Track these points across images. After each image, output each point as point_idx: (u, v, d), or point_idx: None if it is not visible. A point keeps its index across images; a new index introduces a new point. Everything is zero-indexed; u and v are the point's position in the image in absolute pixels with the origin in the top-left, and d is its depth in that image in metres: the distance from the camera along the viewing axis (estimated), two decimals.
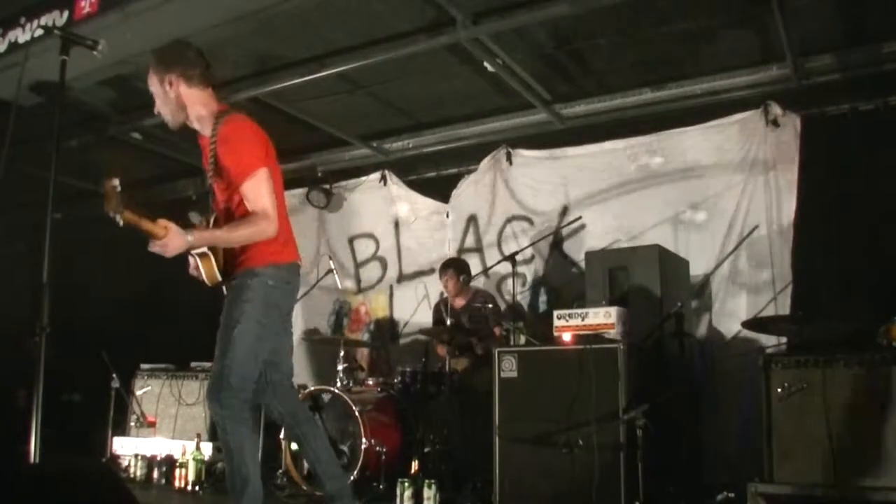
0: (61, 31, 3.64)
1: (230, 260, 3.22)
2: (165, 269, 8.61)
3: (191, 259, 3.28)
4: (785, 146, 5.47)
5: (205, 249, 3.16)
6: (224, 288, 3.28)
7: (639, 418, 3.82)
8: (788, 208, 5.40)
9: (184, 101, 3.23)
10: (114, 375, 6.18)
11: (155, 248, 2.99)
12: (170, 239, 2.96)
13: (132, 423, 6.38)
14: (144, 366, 6.67)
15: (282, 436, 5.35)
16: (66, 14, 5.47)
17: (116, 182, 2.96)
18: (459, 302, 5.98)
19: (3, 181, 3.16)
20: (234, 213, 3.19)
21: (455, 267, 6.01)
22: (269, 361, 3.27)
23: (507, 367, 4.47)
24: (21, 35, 5.79)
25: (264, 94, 6.17)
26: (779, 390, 3.87)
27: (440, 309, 6.08)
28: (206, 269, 3.20)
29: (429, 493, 4.40)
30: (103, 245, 8.35)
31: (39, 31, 5.58)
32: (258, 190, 3.09)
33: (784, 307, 5.23)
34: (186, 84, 3.21)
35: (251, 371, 3.14)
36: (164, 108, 3.27)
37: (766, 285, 5.40)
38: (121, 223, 2.93)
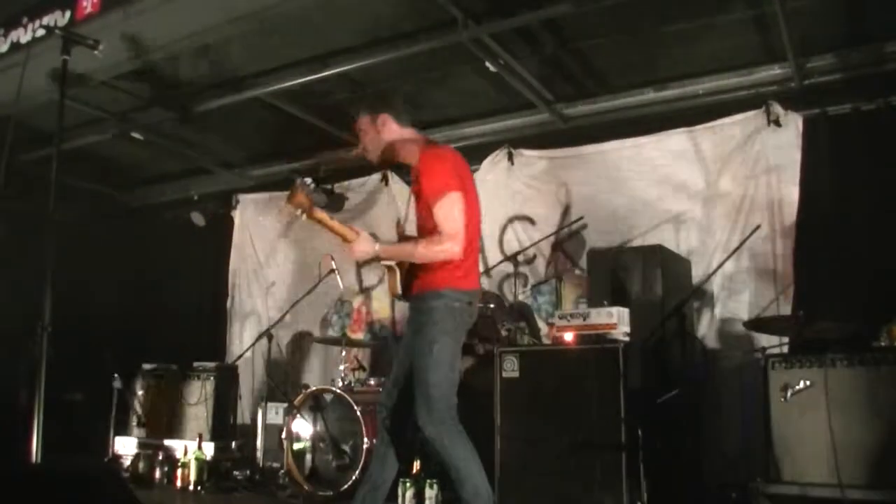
0: (63, 30, 3.66)
1: (413, 279, 3.36)
2: (167, 269, 8.65)
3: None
4: (787, 146, 5.46)
5: (392, 263, 3.36)
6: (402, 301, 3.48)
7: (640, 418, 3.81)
8: (790, 208, 5.39)
9: (393, 140, 3.47)
10: (115, 375, 6.18)
11: (345, 250, 3.29)
12: (358, 243, 3.25)
13: (134, 423, 6.39)
14: (146, 365, 6.68)
15: (283, 435, 5.35)
16: (67, 14, 5.48)
17: (309, 180, 3.18)
18: None
19: (5, 181, 3.16)
20: (428, 233, 3.34)
21: None
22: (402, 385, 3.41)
23: (509, 367, 4.47)
24: (23, 35, 5.80)
25: (266, 93, 6.18)
26: (780, 390, 3.87)
27: None
28: (390, 281, 3.42)
29: (430, 493, 4.41)
30: (106, 245, 8.38)
31: (41, 32, 5.59)
32: (449, 211, 3.21)
33: (786, 307, 5.22)
34: (396, 122, 3.48)
35: (453, 385, 3.26)
36: (370, 145, 3.49)
37: (767, 285, 5.39)
38: (303, 220, 3.15)
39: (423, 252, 3.23)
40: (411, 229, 3.57)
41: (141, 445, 6.16)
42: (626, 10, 4.89)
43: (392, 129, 3.46)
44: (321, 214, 3.14)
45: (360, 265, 3.20)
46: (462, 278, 3.31)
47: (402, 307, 7.06)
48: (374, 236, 3.32)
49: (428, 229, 3.30)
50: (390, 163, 3.58)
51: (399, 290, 3.38)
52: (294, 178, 3.16)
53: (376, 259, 3.32)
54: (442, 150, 3.43)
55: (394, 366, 3.52)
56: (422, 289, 3.30)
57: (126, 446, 6.25)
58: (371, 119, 3.46)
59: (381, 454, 3.43)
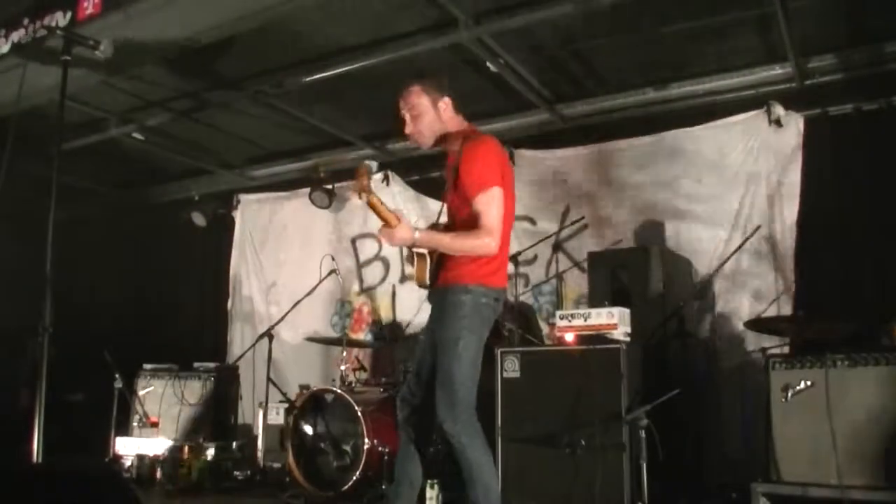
0: (64, 31, 3.66)
1: (441, 271, 3.31)
2: (167, 269, 8.65)
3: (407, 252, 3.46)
4: (787, 146, 5.47)
5: (424, 251, 3.31)
6: (428, 295, 3.42)
7: (641, 419, 3.82)
8: (791, 208, 5.39)
9: (450, 126, 3.42)
10: (116, 375, 6.19)
11: (383, 234, 3.21)
12: (399, 229, 3.16)
13: (135, 424, 6.39)
14: (147, 366, 6.69)
15: (284, 436, 5.35)
16: (68, 15, 5.48)
17: (374, 165, 3.22)
18: None
19: (6, 181, 3.16)
20: (460, 224, 3.30)
21: None
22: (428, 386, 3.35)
23: (510, 368, 4.47)
24: (24, 36, 5.80)
25: (265, 94, 6.18)
26: (781, 391, 3.87)
27: None
28: (418, 269, 3.34)
29: (431, 494, 4.39)
30: (107, 245, 8.38)
31: (42, 32, 5.59)
32: (489, 205, 3.18)
33: (787, 307, 5.23)
34: (454, 108, 3.45)
35: (475, 383, 3.23)
36: (427, 129, 3.41)
37: (768, 286, 5.39)
38: (363, 202, 3.17)
39: (461, 244, 3.20)
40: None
41: (142, 446, 6.15)
42: (626, 10, 4.90)
43: (450, 115, 3.42)
44: (375, 199, 3.15)
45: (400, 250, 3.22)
46: (492, 275, 3.28)
47: (404, 307, 7.08)
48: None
49: (461, 219, 3.27)
50: (436, 147, 3.50)
51: (427, 279, 3.33)
52: (360, 164, 3.18)
53: (413, 246, 3.28)
54: (489, 141, 3.34)
55: (415, 362, 3.47)
56: (449, 281, 3.26)
57: (127, 446, 6.24)
58: (433, 101, 3.38)
59: (411, 452, 3.39)
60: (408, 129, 3.44)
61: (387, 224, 3.19)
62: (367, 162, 3.21)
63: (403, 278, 7.14)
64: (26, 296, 3.49)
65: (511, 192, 3.40)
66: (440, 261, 3.31)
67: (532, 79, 5.89)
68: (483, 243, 3.17)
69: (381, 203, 3.18)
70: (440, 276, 3.30)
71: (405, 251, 3.50)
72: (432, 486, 4.39)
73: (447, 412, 3.14)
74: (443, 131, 3.41)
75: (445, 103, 3.39)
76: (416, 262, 3.34)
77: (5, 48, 5.94)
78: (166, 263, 8.65)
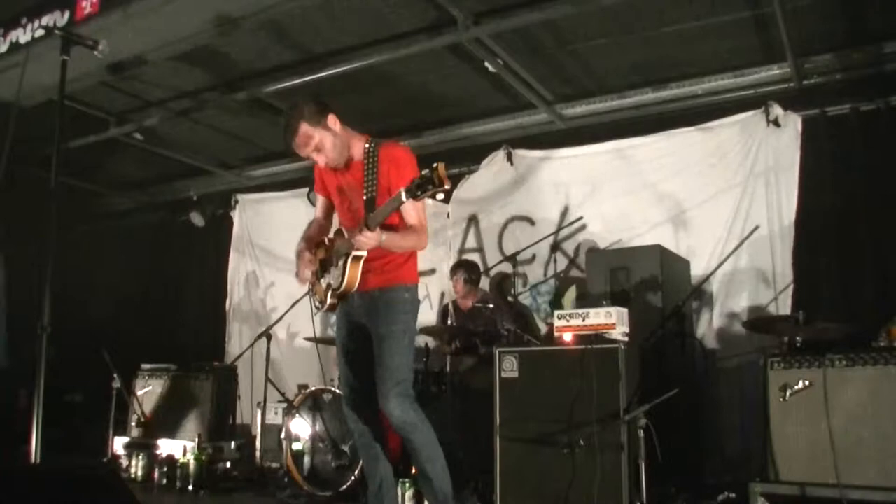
0: (62, 31, 3.65)
1: (371, 272, 3.45)
2: (166, 269, 8.64)
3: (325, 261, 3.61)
4: (786, 146, 5.47)
5: (363, 253, 3.38)
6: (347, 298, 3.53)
7: (640, 418, 3.82)
8: (789, 208, 5.40)
9: (343, 135, 3.48)
10: (115, 375, 6.18)
11: (357, 240, 3.22)
12: (373, 234, 3.18)
13: (133, 423, 6.38)
14: (145, 366, 6.67)
15: (282, 436, 5.35)
16: (67, 14, 5.47)
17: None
18: (467, 303, 5.97)
19: (4, 182, 3.16)
20: (387, 223, 3.35)
21: (465, 268, 6.00)
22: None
23: (508, 367, 4.47)
24: (22, 35, 5.80)
25: (265, 94, 6.18)
26: (779, 390, 3.88)
27: (446, 311, 6.09)
28: (351, 273, 3.38)
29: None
30: (104, 245, 8.38)
31: (41, 32, 5.59)
32: (419, 207, 3.37)
33: (785, 307, 5.23)
34: (341, 122, 3.49)
35: (411, 373, 3.47)
36: (333, 153, 3.46)
37: (766, 285, 5.40)
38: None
39: (408, 241, 3.43)
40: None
41: (140, 446, 6.14)
42: (624, 10, 4.90)
43: (339, 127, 3.47)
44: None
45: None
46: (416, 273, 3.61)
47: None
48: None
49: (388, 221, 3.31)
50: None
51: (357, 283, 3.41)
52: None
53: (374, 247, 3.31)
54: (403, 146, 3.56)
55: (346, 371, 3.64)
56: (392, 282, 3.48)
57: (125, 446, 6.24)
58: (323, 125, 3.41)
59: (375, 452, 3.61)
60: (322, 163, 3.51)
61: (366, 226, 3.24)
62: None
63: None
64: (24, 296, 3.49)
65: None
66: (368, 264, 3.44)
67: (531, 79, 5.89)
68: (422, 240, 3.46)
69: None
70: (371, 279, 3.46)
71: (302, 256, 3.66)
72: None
73: (397, 401, 3.34)
74: (345, 143, 3.49)
75: (332, 120, 3.45)
76: (349, 267, 3.38)
77: (4, 48, 5.93)
78: (165, 263, 8.66)
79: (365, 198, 3.44)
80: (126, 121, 6.88)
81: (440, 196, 2.95)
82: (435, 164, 2.90)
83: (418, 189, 2.92)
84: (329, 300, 3.51)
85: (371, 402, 3.46)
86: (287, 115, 3.46)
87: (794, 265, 5.32)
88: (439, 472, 3.44)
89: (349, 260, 3.38)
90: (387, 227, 3.32)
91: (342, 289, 3.41)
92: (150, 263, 8.61)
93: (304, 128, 3.39)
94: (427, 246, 3.53)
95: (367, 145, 3.50)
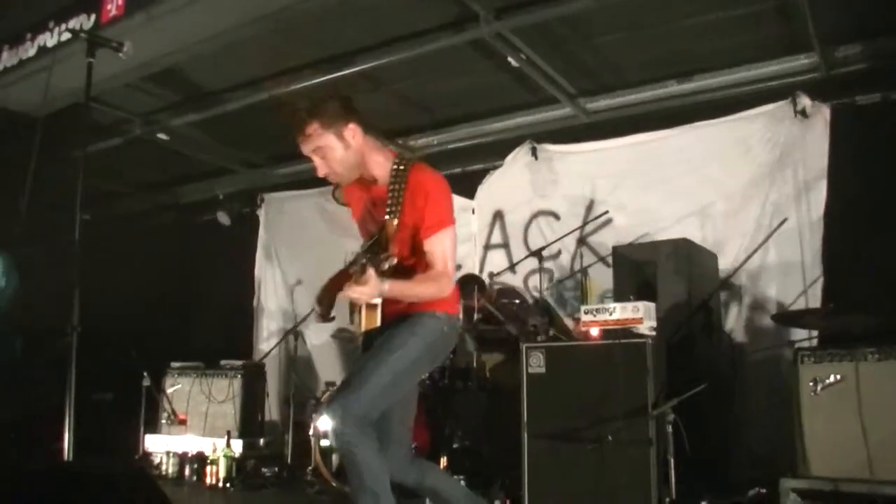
0: (88, 34, 3.69)
1: (391, 307, 2.92)
2: (194, 268, 8.70)
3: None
4: (814, 137, 5.40)
5: (378, 301, 2.85)
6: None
7: (668, 413, 3.80)
8: (818, 200, 5.32)
9: (364, 151, 2.99)
10: (144, 374, 6.25)
11: (353, 293, 2.71)
12: (371, 286, 2.68)
13: (163, 421, 6.46)
14: (174, 364, 6.75)
15: (311, 433, 5.38)
16: (93, 17, 5.53)
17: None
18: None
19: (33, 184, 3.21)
20: (404, 262, 2.94)
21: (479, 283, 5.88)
22: (391, 409, 2.97)
23: (535, 363, 4.45)
24: (49, 39, 5.88)
25: (286, 93, 6.20)
26: (810, 384, 3.83)
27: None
28: (368, 319, 2.89)
29: None
30: (134, 245, 8.46)
31: (67, 35, 5.66)
32: (445, 246, 2.92)
33: (815, 300, 5.16)
34: (364, 132, 3.00)
35: (380, 401, 2.84)
36: (339, 168, 2.97)
37: (795, 278, 5.32)
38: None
39: (422, 291, 2.91)
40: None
41: (170, 443, 6.22)
42: (648, 2, 4.86)
43: (360, 141, 2.97)
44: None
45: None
46: (454, 303, 3.09)
47: None
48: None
49: (414, 256, 2.96)
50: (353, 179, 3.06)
51: (377, 324, 2.90)
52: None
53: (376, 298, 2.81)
54: (436, 172, 3.02)
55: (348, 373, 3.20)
56: (415, 309, 2.95)
57: (156, 444, 6.31)
58: (337, 131, 2.93)
59: (426, 466, 3.21)
60: (321, 172, 3.00)
61: (356, 281, 2.69)
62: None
63: None
64: (55, 296, 3.53)
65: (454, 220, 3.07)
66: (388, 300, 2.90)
67: (554, 73, 5.86)
68: (441, 287, 2.91)
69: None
70: (393, 310, 2.92)
71: (316, 309, 3.08)
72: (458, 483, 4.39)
73: (338, 403, 2.76)
74: (359, 160, 2.98)
75: (352, 130, 2.94)
76: (364, 315, 2.89)
77: (32, 51, 6.02)
78: (192, 263, 8.73)
79: (390, 226, 2.85)
80: (151, 122, 6.94)
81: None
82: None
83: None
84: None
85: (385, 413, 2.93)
86: (305, 104, 2.94)
87: (823, 257, 5.25)
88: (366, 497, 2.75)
89: (363, 308, 2.89)
90: (402, 268, 2.87)
91: (362, 332, 2.97)
92: (177, 263, 8.68)
93: (315, 126, 2.90)
94: (449, 293, 2.98)
95: (394, 165, 2.96)
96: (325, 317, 3.09)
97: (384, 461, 2.82)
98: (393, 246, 2.80)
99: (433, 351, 3.01)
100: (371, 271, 2.66)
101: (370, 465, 2.75)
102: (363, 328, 2.93)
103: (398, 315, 2.94)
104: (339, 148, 2.93)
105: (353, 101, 3.02)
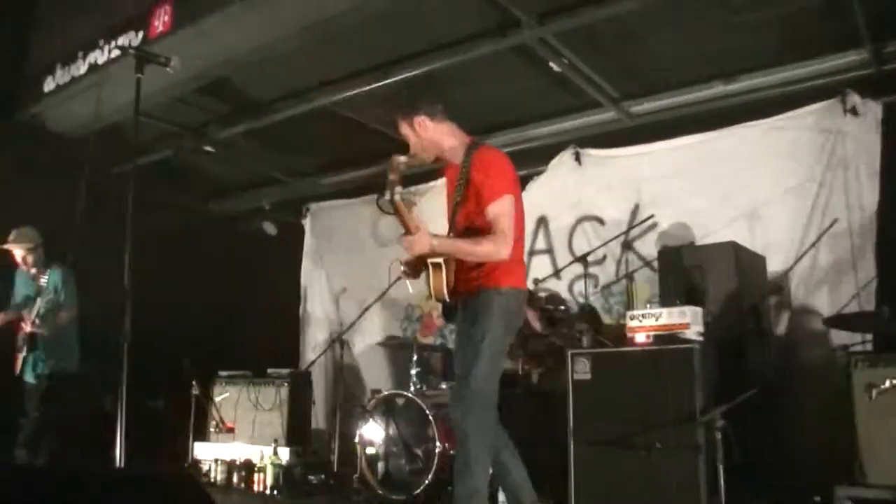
0: (136, 50, 3.77)
1: (463, 278, 3.36)
2: (241, 278, 8.80)
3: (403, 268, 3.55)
4: (865, 135, 5.27)
5: (440, 260, 3.31)
6: (449, 304, 3.41)
7: (717, 420, 3.73)
8: (870, 200, 5.19)
9: (436, 138, 3.49)
10: (193, 382, 6.35)
11: (403, 243, 3.25)
12: (418, 237, 3.21)
13: (212, 429, 6.55)
14: (222, 373, 6.84)
15: (357, 441, 5.41)
16: (140, 34, 5.66)
17: (405, 158, 3.34)
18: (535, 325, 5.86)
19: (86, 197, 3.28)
20: (475, 224, 3.37)
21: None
22: None
23: (581, 369, 4.42)
24: (100, 56, 6.03)
25: (332, 103, 6.26)
26: (865, 390, 3.73)
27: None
28: (435, 281, 3.33)
29: (503, 497, 4.38)
30: (183, 256, 8.61)
31: (116, 52, 5.79)
32: (504, 210, 3.28)
33: (868, 303, 5.03)
34: (432, 121, 3.49)
35: (495, 383, 3.32)
36: (414, 148, 3.51)
37: (848, 280, 5.20)
38: (388, 198, 3.23)
39: (478, 250, 3.27)
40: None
41: (219, 451, 6.30)
42: (690, 2, 4.80)
43: (428, 128, 3.48)
44: (400, 202, 3.21)
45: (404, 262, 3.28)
46: (517, 275, 3.42)
47: None
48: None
49: (476, 228, 3.33)
50: (439, 159, 3.59)
51: (445, 291, 3.32)
52: (392, 157, 3.32)
53: (429, 256, 3.29)
54: (499, 151, 3.52)
55: (457, 368, 3.50)
56: (476, 287, 3.33)
57: (204, 451, 6.41)
58: (409, 124, 3.49)
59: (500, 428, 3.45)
60: (411, 152, 3.53)
61: (407, 231, 3.24)
62: (397, 157, 3.31)
63: None
64: (110, 306, 3.61)
65: (520, 195, 3.48)
66: (459, 271, 3.35)
67: (597, 77, 5.82)
68: (496, 249, 3.25)
69: (405, 206, 3.24)
70: (466, 284, 3.35)
71: (401, 267, 3.58)
72: None
73: (457, 401, 3.29)
74: (433, 146, 3.50)
75: (420, 122, 3.47)
76: (431, 274, 3.33)
77: (83, 69, 6.18)
78: (240, 273, 8.84)
79: (455, 201, 3.44)
80: (199, 134, 7.07)
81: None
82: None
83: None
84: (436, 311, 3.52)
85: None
86: (395, 101, 3.70)
87: (877, 258, 5.11)
88: (461, 493, 3.22)
89: (431, 268, 3.33)
90: (466, 230, 3.34)
91: (433, 298, 3.38)
92: (225, 273, 8.81)
93: (399, 121, 3.51)
94: (506, 255, 3.29)
95: (466, 148, 3.49)
96: (412, 275, 3.53)
97: (489, 460, 3.28)
98: (459, 218, 3.40)
99: (509, 325, 3.39)
100: (421, 225, 3.20)
101: (478, 459, 3.21)
102: (432, 287, 3.32)
103: (469, 294, 3.34)
104: (411, 135, 3.51)
105: (420, 99, 3.55)
